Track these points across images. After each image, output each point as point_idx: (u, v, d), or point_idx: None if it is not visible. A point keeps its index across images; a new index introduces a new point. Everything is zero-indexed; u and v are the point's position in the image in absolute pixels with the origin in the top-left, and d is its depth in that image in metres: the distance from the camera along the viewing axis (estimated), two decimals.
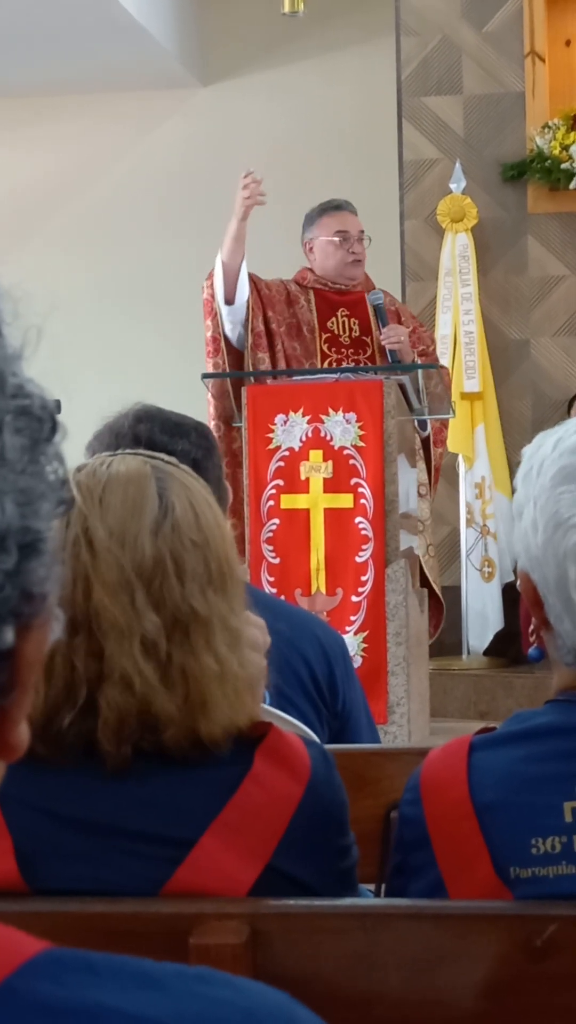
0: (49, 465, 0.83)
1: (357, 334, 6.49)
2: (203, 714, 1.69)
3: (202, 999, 0.81)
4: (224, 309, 6.30)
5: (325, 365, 6.42)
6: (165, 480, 1.77)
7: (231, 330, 6.35)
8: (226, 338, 6.39)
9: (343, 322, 6.51)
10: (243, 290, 6.33)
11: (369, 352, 6.46)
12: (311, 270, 6.59)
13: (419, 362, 6.32)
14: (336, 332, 6.51)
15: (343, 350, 6.49)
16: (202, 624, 1.71)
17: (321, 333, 6.50)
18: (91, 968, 0.81)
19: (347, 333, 6.51)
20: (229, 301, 6.30)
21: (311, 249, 6.55)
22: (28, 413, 0.82)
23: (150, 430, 2.72)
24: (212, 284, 6.40)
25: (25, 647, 0.84)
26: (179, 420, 2.78)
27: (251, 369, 6.36)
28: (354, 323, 6.49)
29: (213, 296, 6.37)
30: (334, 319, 6.51)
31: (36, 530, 0.81)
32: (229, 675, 1.72)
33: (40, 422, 0.82)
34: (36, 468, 0.82)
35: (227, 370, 6.37)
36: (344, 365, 6.36)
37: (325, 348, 6.49)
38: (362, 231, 6.47)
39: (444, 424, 6.70)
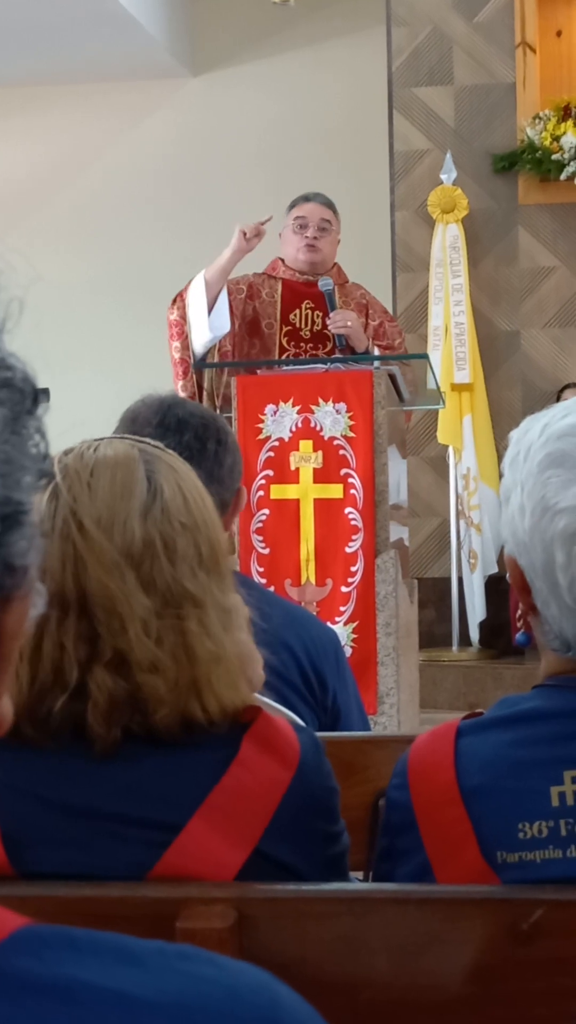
0: (31, 438, 0.83)
1: (319, 328, 6.48)
2: (196, 696, 1.69)
3: (183, 976, 0.81)
4: (201, 329, 6.29)
5: (282, 359, 6.42)
6: (153, 463, 1.76)
7: (204, 347, 6.35)
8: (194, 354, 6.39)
9: (306, 315, 6.50)
10: (222, 317, 6.32)
11: (329, 347, 6.45)
12: (283, 260, 6.62)
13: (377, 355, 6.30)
14: (298, 325, 6.50)
15: (302, 344, 6.49)
16: (195, 605, 1.71)
17: (282, 326, 6.50)
18: (72, 944, 0.81)
19: (308, 327, 6.50)
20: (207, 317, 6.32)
21: (282, 242, 6.60)
22: (10, 385, 0.81)
23: (146, 423, 2.74)
24: (182, 306, 6.39)
25: (6, 620, 0.84)
26: (184, 416, 2.78)
27: (213, 384, 6.36)
28: (317, 316, 6.48)
29: (183, 318, 6.36)
30: (297, 311, 6.51)
31: (17, 501, 0.81)
32: (224, 656, 1.72)
33: (22, 394, 0.82)
34: (17, 440, 0.82)
35: (195, 392, 6.36)
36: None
37: (284, 342, 6.49)
38: (326, 220, 6.46)
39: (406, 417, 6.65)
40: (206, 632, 1.71)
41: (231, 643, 1.74)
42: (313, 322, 6.49)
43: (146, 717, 1.69)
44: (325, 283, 6.28)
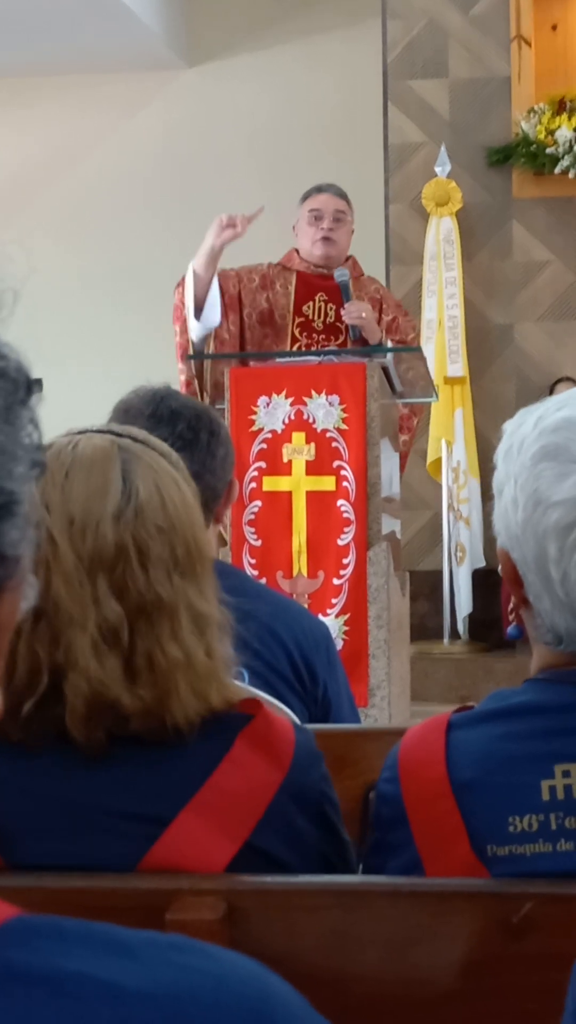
0: (24, 428, 0.83)
1: (332, 320, 6.49)
2: (168, 704, 1.67)
3: (174, 967, 0.81)
4: (192, 322, 6.31)
5: (294, 349, 6.41)
6: (130, 462, 1.73)
7: (198, 338, 6.36)
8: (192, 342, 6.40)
9: (320, 307, 6.50)
10: (213, 310, 6.32)
11: (341, 339, 6.45)
12: (298, 251, 6.61)
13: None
14: (310, 317, 6.51)
15: (314, 335, 6.49)
16: (167, 611, 1.68)
17: (295, 317, 6.49)
18: (62, 935, 0.80)
19: (321, 318, 6.50)
20: (198, 311, 6.31)
21: (297, 234, 6.58)
22: (3, 375, 0.81)
23: (139, 414, 2.74)
24: (183, 292, 6.39)
25: None
26: (177, 407, 2.77)
27: (208, 373, 6.37)
28: (331, 308, 6.49)
29: (183, 303, 6.37)
30: (311, 303, 6.51)
31: (10, 491, 0.81)
32: (196, 664, 1.69)
33: (15, 384, 0.82)
34: (10, 430, 0.81)
35: (194, 378, 6.37)
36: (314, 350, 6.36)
37: (296, 332, 6.49)
38: (340, 211, 6.46)
39: (413, 412, 6.67)
40: (176, 639, 1.68)
41: (205, 650, 1.71)
42: (326, 314, 6.50)
43: (125, 723, 1.67)
44: (341, 274, 6.30)
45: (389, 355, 6.01)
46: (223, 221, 6.25)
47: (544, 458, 1.66)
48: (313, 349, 6.35)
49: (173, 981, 0.80)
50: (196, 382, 6.36)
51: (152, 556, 1.68)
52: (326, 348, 6.28)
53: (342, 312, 6.30)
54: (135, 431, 1.81)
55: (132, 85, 10.75)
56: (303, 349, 6.38)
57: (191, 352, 6.37)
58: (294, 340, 6.47)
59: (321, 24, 10.49)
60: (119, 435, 1.78)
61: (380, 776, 1.80)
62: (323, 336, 6.48)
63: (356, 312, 6.23)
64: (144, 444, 1.78)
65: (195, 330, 6.32)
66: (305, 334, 6.48)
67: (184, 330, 6.41)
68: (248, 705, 1.75)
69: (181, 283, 6.44)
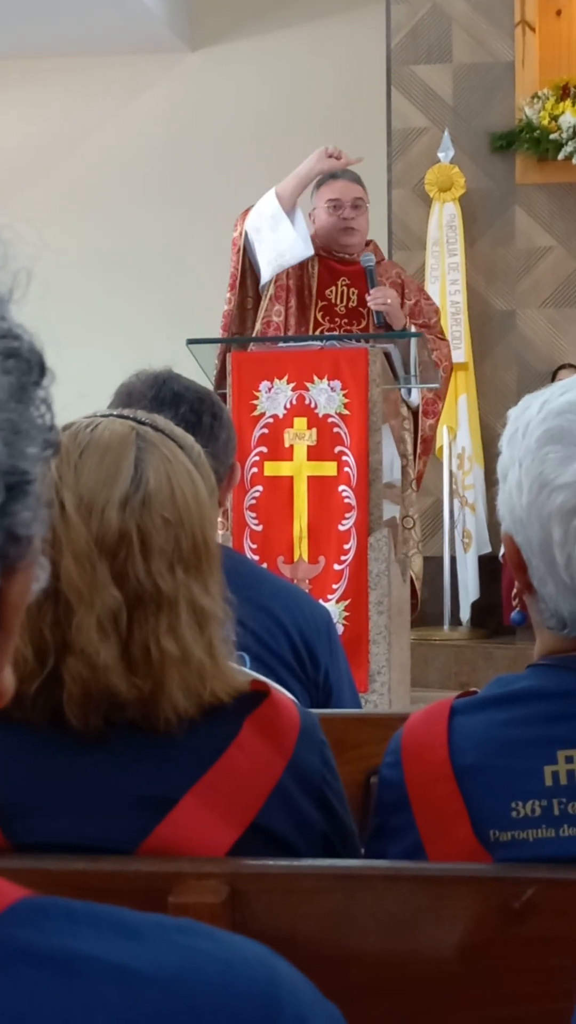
0: (36, 409, 0.83)
1: (354, 304, 6.49)
2: (161, 697, 1.66)
3: (182, 949, 0.81)
4: (273, 234, 6.28)
5: (316, 333, 6.40)
6: (145, 451, 1.71)
7: (271, 259, 6.32)
8: (255, 276, 6.39)
9: (342, 291, 6.51)
10: (301, 237, 6.34)
11: (363, 323, 6.45)
12: (317, 236, 6.60)
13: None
14: (333, 301, 6.51)
15: (337, 319, 6.49)
16: (166, 604, 1.67)
17: (317, 301, 6.49)
18: (71, 916, 0.81)
19: (344, 303, 6.50)
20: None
21: (314, 220, 6.57)
22: (17, 355, 0.81)
23: (141, 397, 2.74)
24: (243, 222, 6.37)
25: (10, 590, 0.84)
26: (179, 390, 2.77)
27: (262, 317, 6.38)
28: (353, 293, 6.49)
29: (242, 233, 6.36)
30: (333, 288, 6.51)
31: (23, 471, 0.81)
32: (192, 659, 1.68)
33: (29, 365, 0.82)
34: (23, 409, 0.82)
35: (234, 308, 6.42)
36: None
37: (319, 316, 6.50)
38: (359, 198, 6.45)
39: (438, 396, 6.67)
40: (173, 633, 1.67)
41: (204, 647, 1.70)
42: (349, 298, 6.50)
43: (122, 711, 1.67)
44: (367, 259, 6.32)
45: (413, 340, 6.03)
46: (328, 150, 6.30)
47: (549, 441, 1.66)
48: (336, 333, 6.35)
49: (181, 964, 0.80)
50: (237, 313, 6.38)
51: (155, 547, 1.67)
52: (331, 333, 6.28)
53: (367, 298, 6.31)
54: (159, 420, 1.79)
55: (134, 68, 10.72)
56: (325, 333, 6.39)
57: (238, 286, 6.37)
58: (316, 324, 6.47)
59: (325, 8, 10.47)
60: (140, 422, 1.76)
61: (383, 761, 1.80)
62: (345, 320, 6.48)
63: (382, 298, 6.25)
64: (164, 434, 1.76)
65: (280, 251, 6.29)
66: (328, 318, 6.49)
67: (239, 260, 6.38)
68: (258, 685, 1.75)
69: (243, 215, 6.42)
